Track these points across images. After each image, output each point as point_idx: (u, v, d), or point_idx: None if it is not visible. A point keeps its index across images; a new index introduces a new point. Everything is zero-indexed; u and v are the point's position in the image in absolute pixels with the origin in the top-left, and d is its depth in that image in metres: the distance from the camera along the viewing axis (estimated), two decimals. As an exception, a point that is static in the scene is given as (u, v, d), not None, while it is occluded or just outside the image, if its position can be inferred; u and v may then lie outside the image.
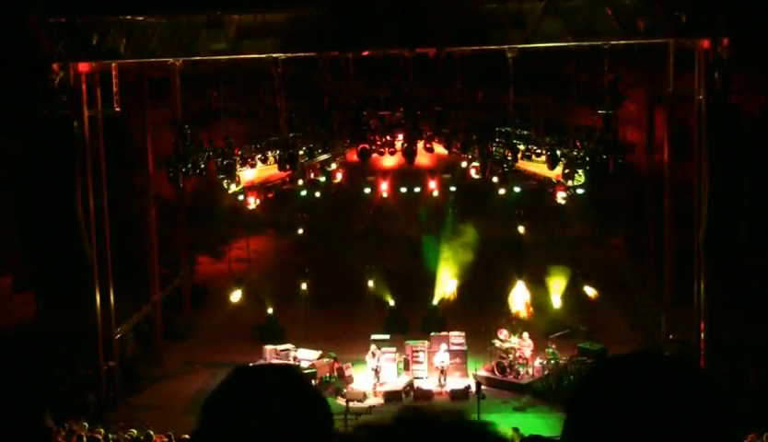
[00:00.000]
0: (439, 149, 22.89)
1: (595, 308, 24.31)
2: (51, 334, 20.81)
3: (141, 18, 18.26)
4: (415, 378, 20.99)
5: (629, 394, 1.55)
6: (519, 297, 23.69)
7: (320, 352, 21.46)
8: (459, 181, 25.28)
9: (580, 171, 19.81)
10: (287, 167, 21.67)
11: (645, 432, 1.51)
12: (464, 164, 23.54)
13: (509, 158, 21.17)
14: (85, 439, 14.42)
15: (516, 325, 22.22)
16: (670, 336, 20.35)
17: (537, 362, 20.71)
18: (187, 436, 14.91)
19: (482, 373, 20.75)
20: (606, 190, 23.43)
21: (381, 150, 22.08)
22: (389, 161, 23.71)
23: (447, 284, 25.09)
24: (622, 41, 17.92)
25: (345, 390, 20.31)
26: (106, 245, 20.06)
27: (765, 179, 16.61)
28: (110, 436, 15.27)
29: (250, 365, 2.09)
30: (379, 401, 19.89)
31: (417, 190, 25.80)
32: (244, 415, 1.81)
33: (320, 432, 1.86)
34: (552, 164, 20.76)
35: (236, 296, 24.12)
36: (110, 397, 19.73)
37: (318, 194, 25.44)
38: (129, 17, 18.20)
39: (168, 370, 22.22)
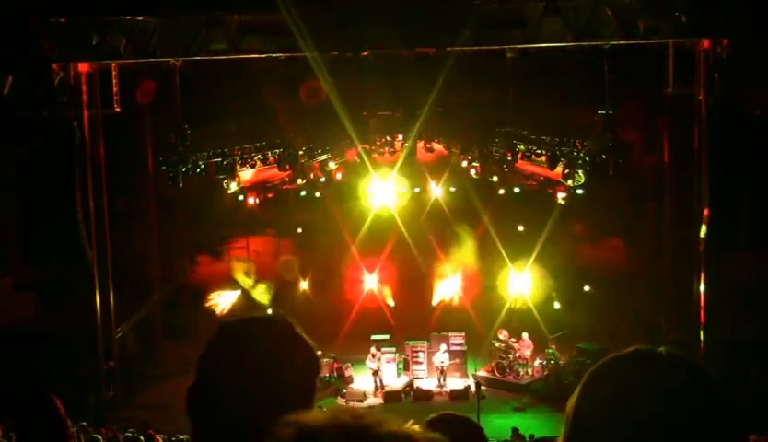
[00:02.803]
0: (439, 149, 22.93)
1: (595, 307, 24.31)
2: (51, 334, 20.79)
3: (141, 18, 18.26)
4: (415, 378, 21.00)
5: (627, 393, 1.55)
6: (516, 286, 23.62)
7: (319, 352, 21.38)
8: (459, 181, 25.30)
9: (580, 171, 19.83)
10: (287, 167, 21.70)
11: (643, 431, 1.51)
12: (464, 164, 23.56)
13: (509, 158, 21.18)
14: (83, 439, 14.39)
15: (516, 325, 22.24)
16: (670, 336, 20.34)
17: (537, 362, 20.71)
18: (186, 437, 14.90)
19: (482, 373, 20.76)
20: (606, 190, 23.42)
21: (381, 150, 22.11)
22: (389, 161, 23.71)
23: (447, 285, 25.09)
24: (622, 42, 17.92)
25: (345, 391, 20.32)
26: (106, 245, 20.05)
27: (765, 178, 16.57)
28: (117, 434, 15.26)
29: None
30: (379, 401, 19.90)
31: (417, 189, 25.81)
32: (231, 366, 1.96)
33: (304, 373, 2.00)
34: (552, 164, 20.79)
35: (235, 295, 24.09)
36: (109, 397, 19.72)
37: (318, 194, 25.44)
38: (129, 17, 18.20)
39: (168, 370, 22.20)
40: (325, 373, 21.01)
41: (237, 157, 21.44)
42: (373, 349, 20.68)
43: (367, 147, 21.50)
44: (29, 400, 3.62)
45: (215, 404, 1.95)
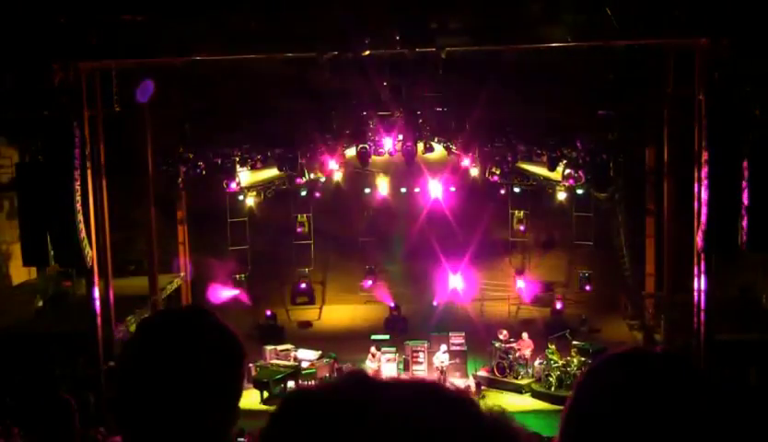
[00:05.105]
0: (439, 149, 22.92)
1: (595, 307, 24.32)
2: (51, 334, 20.80)
3: (141, 18, 18.25)
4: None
5: (623, 393, 1.55)
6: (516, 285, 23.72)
7: (320, 352, 21.46)
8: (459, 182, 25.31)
9: (580, 172, 19.82)
10: (287, 167, 21.69)
11: (640, 432, 1.51)
12: (464, 163, 23.57)
13: (509, 158, 21.17)
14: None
15: (516, 325, 22.25)
16: (670, 337, 20.34)
17: (537, 362, 20.70)
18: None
19: (482, 373, 20.75)
20: (606, 189, 23.41)
21: (381, 150, 22.10)
22: (389, 161, 23.72)
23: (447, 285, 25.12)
24: (622, 42, 17.91)
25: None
26: (106, 245, 20.05)
27: (765, 178, 16.54)
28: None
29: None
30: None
31: (417, 190, 25.81)
32: (149, 361, 1.95)
33: (227, 360, 1.99)
34: (552, 164, 20.77)
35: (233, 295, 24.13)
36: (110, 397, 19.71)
37: (318, 194, 25.45)
38: (129, 17, 18.19)
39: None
40: (325, 373, 21.01)
41: (237, 158, 21.42)
42: (373, 349, 20.68)
43: (367, 147, 21.48)
44: (45, 405, 3.51)
45: (137, 404, 1.93)
